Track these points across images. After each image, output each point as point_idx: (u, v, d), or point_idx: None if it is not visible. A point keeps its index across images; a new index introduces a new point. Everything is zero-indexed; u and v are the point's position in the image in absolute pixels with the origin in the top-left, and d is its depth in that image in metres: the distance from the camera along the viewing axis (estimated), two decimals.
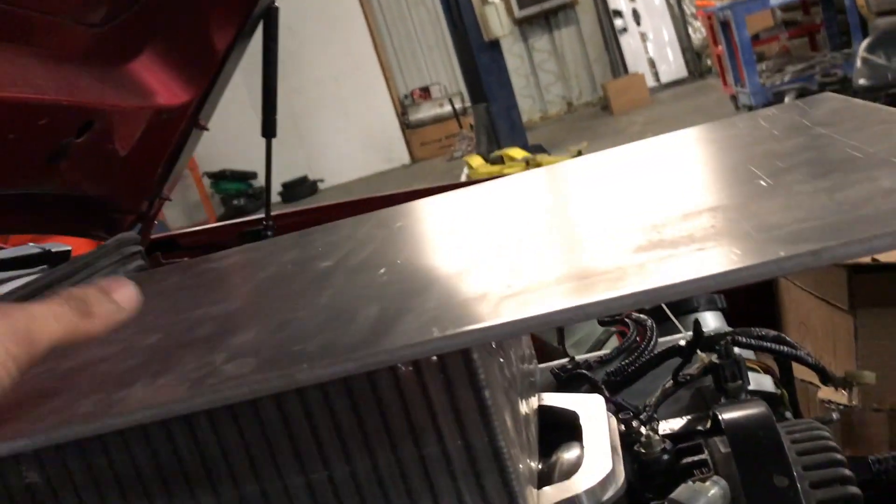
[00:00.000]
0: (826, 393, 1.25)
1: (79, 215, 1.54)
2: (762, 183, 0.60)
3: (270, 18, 1.52)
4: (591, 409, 0.77)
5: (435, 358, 0.55)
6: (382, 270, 0.67)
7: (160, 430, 0.57)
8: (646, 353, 1.01)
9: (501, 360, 0.66)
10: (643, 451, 0.76)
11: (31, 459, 0.59)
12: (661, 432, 0.83)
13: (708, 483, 0.66)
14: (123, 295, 0.55)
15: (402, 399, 0.56)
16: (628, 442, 0.79)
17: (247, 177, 12.31)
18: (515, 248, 0.63)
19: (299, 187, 12.55)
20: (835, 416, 0.93)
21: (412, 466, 0.57)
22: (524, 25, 14.01)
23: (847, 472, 0.68)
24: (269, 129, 1.64)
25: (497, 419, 0.56)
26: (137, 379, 0.54)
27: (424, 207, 0.94)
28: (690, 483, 0.67)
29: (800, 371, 1.08)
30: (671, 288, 0.45)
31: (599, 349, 1.27)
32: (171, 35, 1.44)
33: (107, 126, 1.34)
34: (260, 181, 11.99)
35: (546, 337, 1.39)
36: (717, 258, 0.47)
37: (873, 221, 0.46)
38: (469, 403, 0.56)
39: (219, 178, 12.40)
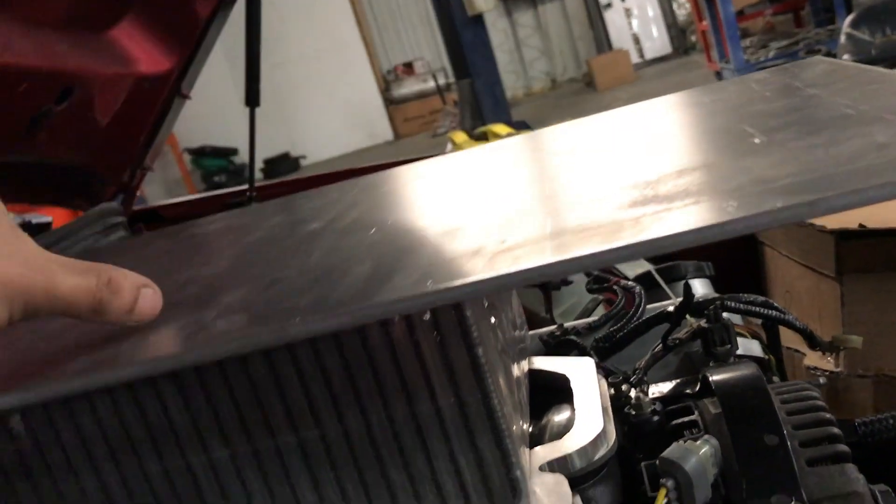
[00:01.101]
0: (812, 359, 1.26)
1: (60, 185, 1.52)
2: (755, 140, 0.60)
3: None
4: (581, 372, 0.77)
5: (427, 315, 0.54)
6: (373, 230, 0.66)
7: (149, 390, 0.56)
8: (634, 318, 1.01)
9: (494, 320, 0.66)
10: (633, 412, 0.76)
11: (18, 420, 0.58)
12: (650, 395, 0.83)
13: (699, 442, 0.66)
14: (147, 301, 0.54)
15: (394, 357, 0.55)
16: (618, 405, 0.79)
17: (227, 153, 12.21)
18: (509, 207, 0.63)
19: (282, 164, 12.48)
20: (821, 380, 0.94)
21: (405, 425, 0.56)
22: (508, 0, 13.92)
23: (836, 430, 0.69)
24: (252, 98, 1.63)
25: (490, 377, 0.56)
26: (127, 337, 0.53)
27: (413, 172, 0.93)
28: (681, 442, 0.67)
29: (786, 339, 1.08)
30: (668, 239, 0.44)
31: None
32: (153, 1, 1.42)
33: (87, 93, 1.32)
34: (241, 158, 11.90)
35: (534, 306, 1.39)
36: (714, 210, 0.46)
37: (868, 173, 0.45)
38: (462, 361, 0.55)
39: (199, 154, 12.30)
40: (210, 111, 9.27)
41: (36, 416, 0.58)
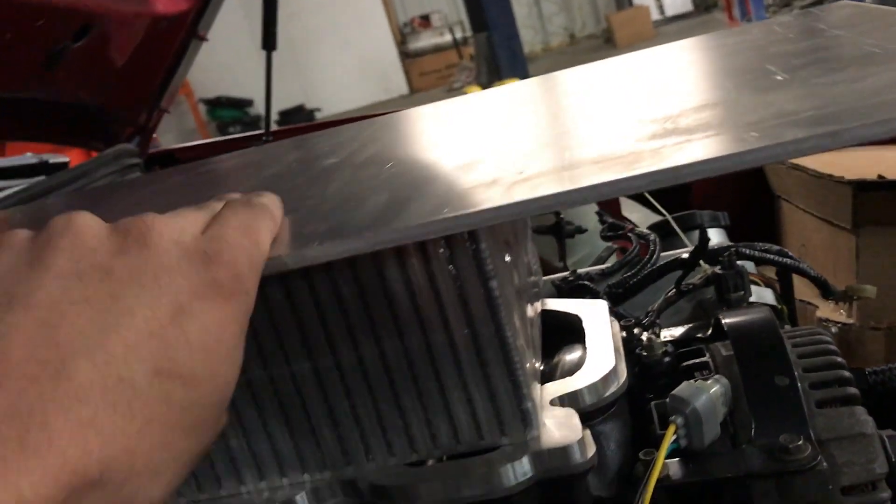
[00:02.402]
0: (825, 311, 1.26)
1: (76, 125, 1.52)
2: (778, 77, 0.59)
3: None
4: (594, 313, 0.78)
5: (443, 249, 0.54)
6: (390, 164, 0.66)
7: None
8: (648, 265, 1.01)
9: (509, 258, 0.66)
10: (644, 353, 0.77)
11: None
12: (662, 339, 0.84)
13: (710, 381, 0.66)
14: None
15: (409, 288, 0.55)
16: (630, 346, 0.79)
17: (242, 104, 12.17)
18: (527, 142, 0.63)
19: (296, 116, 12.43)
20: (833, 330, 0.94)
21: (419, 355, 0.57)
22: None
23: (846, 373, 0.69)
24: (269, 41, 1.61)
25: (504, 310, 0.56)
26: None
27: (431, 111, 0.92)
28: (692, 381, 0.67)
29: (799, 291, 1.08)
30: (688, 167, 0.44)
31: None
32: None
33: (105, 31, 1.32)
34: (256, 109, 11.87)
35: (548, 255, 1.40)
36: (735, 141, 0.46)
37: (894, 105, 0.45)
38: (476, 293, 0.55)
39: (215, 104, 12.26)
40: (226, 62, 9.22)
41: None
